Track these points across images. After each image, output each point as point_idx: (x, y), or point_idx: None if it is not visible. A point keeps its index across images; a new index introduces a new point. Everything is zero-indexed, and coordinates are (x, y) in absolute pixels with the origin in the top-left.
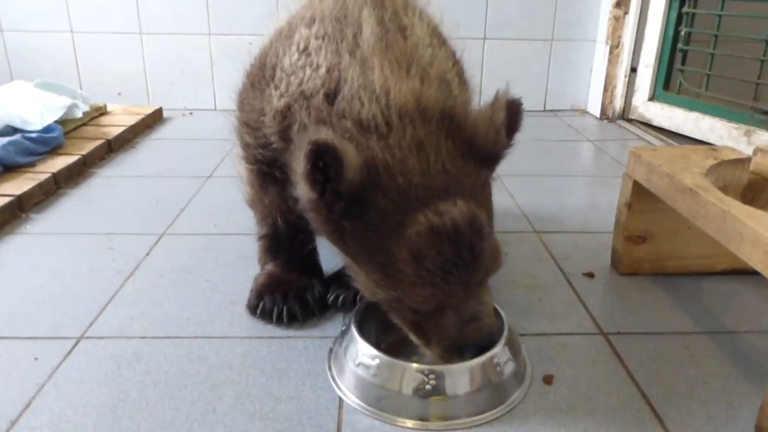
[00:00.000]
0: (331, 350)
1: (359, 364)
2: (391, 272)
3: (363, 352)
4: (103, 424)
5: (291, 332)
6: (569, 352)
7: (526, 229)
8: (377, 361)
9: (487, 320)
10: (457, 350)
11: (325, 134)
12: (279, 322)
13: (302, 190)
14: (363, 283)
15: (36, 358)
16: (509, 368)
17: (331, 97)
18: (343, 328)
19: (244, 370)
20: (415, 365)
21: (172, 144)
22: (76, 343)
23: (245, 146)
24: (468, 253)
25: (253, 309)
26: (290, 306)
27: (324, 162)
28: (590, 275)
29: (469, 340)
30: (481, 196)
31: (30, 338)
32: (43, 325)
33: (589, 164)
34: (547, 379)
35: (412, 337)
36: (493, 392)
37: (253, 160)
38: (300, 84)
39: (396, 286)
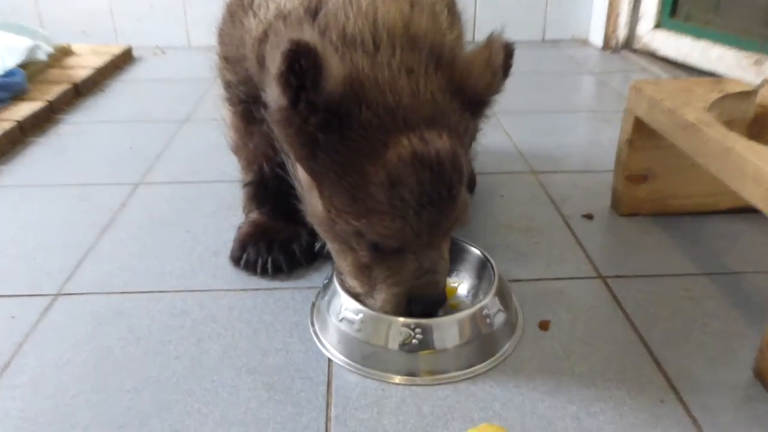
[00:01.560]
0: (313, 305)
1: (342, 319)
2: (360, 197)
3: (346, 307)
4: (87, 382)
5: (277, 283)
6: (566, 297)
7: (523, 170)
8: (361, 315)
9: (443, 277)
10: (407, 302)
11: (309, 35)
12: (264, 273)
13: (272, 94)
14: (318, 212)
15: (12, 317)
16: (500, 319)
17: (312, 13)
18: (326, 281)
19: (230, 323)
20: (401, 319)
21: (144, 86)
22: (54, 300)
23: (227, 85)
24: (446, 191)
25: (236, 260)
26: (275, 257)
27: (302, 65)
28: (589, 217)
29: (421, 294)
30: (463, 138)
31: (5, 296)
32: (18, 282)
33: (591, 99)
34: (543, 325)
35: (349, 282)
36: (484, 344)
37: (236, 101)
38: (279, 6)
39: (362, 215)
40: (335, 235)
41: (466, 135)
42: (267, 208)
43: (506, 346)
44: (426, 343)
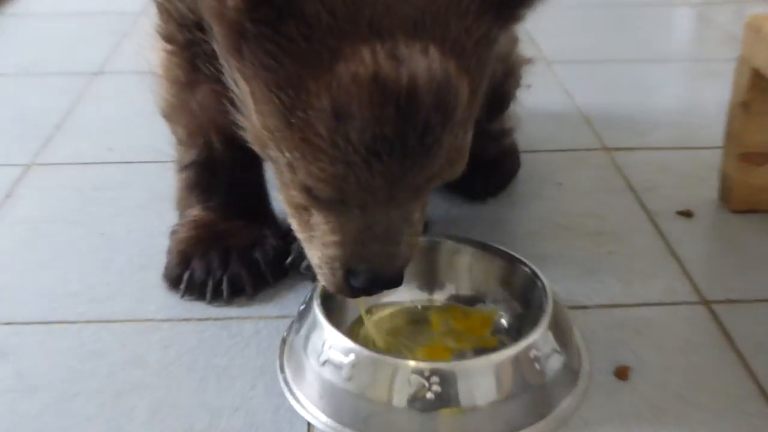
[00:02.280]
0: (284, 341)
1: (326, 363)
2: (295, 122)
3: (331, 344)
4: None
5: (234, 311)
6: (654, 330)
7: (590, 145)
8: (352, 357)
9: (404, 250)
10: (345, 273)
11: None
12: (216, 297)
13: None
14: (252, 125)
15: None
16: (555, 363)
17: None
18: (302, 306)
19: (164, 369)
20: (411, 362)
21: (37, 23)
22: None
23: (166, 15)
24: (416, 138)
25: (174, 280)
26: (234, 273)
27: None
28: (687, 214)
29: (368, 265)
30: (471, 57)
31: None
32: None
33: (688, 42)
34: (621, 373)
35: (290, 221)
36: (532, 400)
37: (175, 35)
38: None
39: (295, 145)
40: (267, 159)
41: (478, 51)
42: (216, 202)
43: (565, 403)
44: (447, 398)
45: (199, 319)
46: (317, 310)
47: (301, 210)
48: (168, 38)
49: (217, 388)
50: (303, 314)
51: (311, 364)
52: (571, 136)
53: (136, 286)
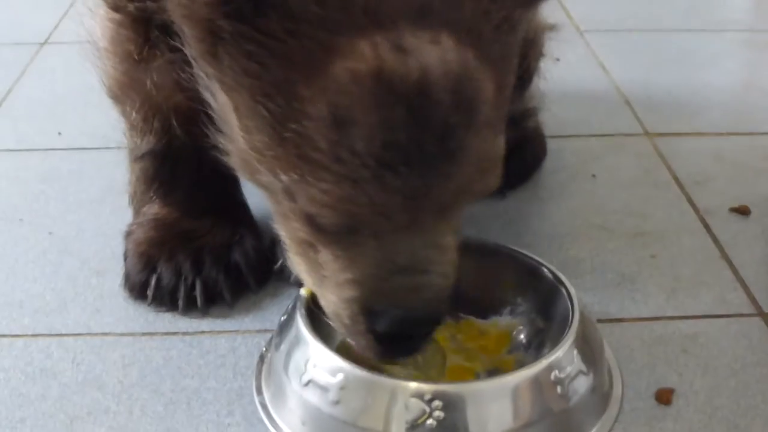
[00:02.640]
0: (262, 358)
1: (309, 384)
2: (288, 135)
3: (316, 362)
4: None
5: (206, 324)
6: (702, 347)
7: (630, 130)
8: (341, 377)
9: (438, 279)
10: (367, 319)
11: None
12: (189, 307)
13: None
14: (236, 144)
15: None
16: (582, 385)
17: None
18: (283, 318)
19: (125, 391)
20: (411, 384)
21: None
22: None
23: None
24: (434, 141)
25: (139, 287)
26: (209, 277)
27: None
28: (743, 211)
29: (392, 302)
30: (492, 45)
31: None
32: None
33: (744, 9)
34: (663, 396)
35: (293, 260)
36: (555, 428)
37: (127, 3)
38: None
39: (289, 166)
40: (262, 188)
41: (501, 38)
42: (179, 197)
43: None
44: (453, 427)
45: (165, 334)
46: (300, 322)
47: (307, 247)
48: (114, 6)
49: (187, 414)
50: (284, 327)
51: (293, 385)
52: (607, 118)
53: (90, 294)
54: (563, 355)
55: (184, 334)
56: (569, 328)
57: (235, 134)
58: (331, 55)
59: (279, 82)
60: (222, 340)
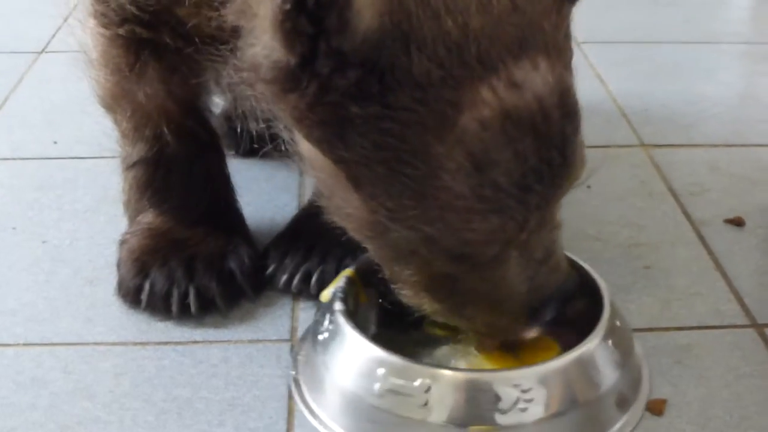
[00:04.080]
0: (295, 352)
1: (358, 376)
2: (429, 192)
3: (358, 353)
4: None
5: (199, 334)
6: (696, 358)
7: (626, 141)
8: (383, 371)
9: (560, 255)
10: (532, 312)
11: None
12: (183, 313)
13: (264, 50)
14: (354, 211)
15: None
16: (611, 378)
17: None
18: (318, 313)
19: (116, 401)
20: (465, 375)
21: None
22: None
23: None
24: (559, 155)
25: (132, 292)
26: (202, 284)
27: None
28: (738, 223)
29: (545, 292)
30: (566, 50)
31: None
32: None
33: (742, 21)
34: (656, 406)
35: (414, 299)
36: (584, 420)
37: (116, 18)
38: None
39: (435, 218)
40: (387, 241)
41: (567, 40)
42: (173, 205)
43: (617, 426)
44: (480, 414)
45: (158, 343)
46: (342, 318)
47: (442, 281)
48: (105, 24)
49: (179, 424)
50: (319, 322)
51: (333, 377)
52: (603, 130)
53: (83, 303)
54: (598, 344)
55: (177, 343)
56: (602, 317)
57: (347, 197)
58: (458, 109)
59: (415, 148)
60: (215, 349)
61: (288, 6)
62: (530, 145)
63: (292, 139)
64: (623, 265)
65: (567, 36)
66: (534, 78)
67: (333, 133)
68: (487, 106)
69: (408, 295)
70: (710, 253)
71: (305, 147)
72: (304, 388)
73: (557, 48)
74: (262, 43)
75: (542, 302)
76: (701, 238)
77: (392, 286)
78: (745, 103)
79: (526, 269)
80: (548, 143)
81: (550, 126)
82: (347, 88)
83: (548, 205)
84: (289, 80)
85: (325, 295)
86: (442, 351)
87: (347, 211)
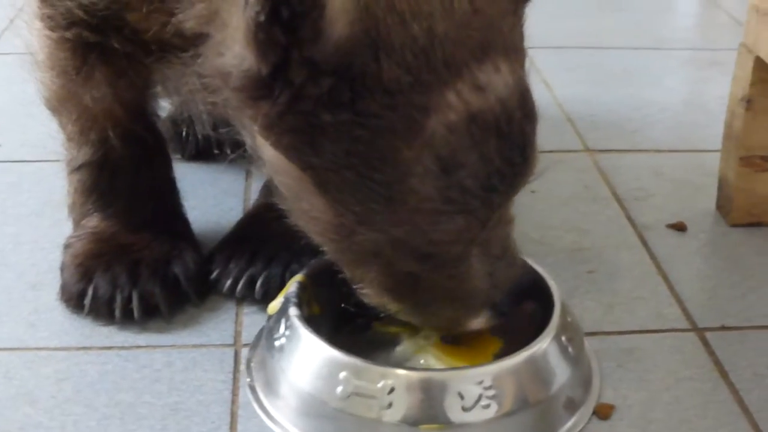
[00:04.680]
0: (248, 359)
1: (319, 380)
2: (397, 196)
3: (319, 357)
4: None
5: (143, 339)
6: (638, 362)
7: (571, 147)
8: (345, 374)
9: (514, 250)
10: (488, 307)
11: None
12: (126, 318)
13: (235, 59)
14: (320, 216)
15: None
16: (562, 377)
17: None
18: (273, 319)
19: (58, 406)
20: (426, 374)
21: None
22: None
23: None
24: (520, 155)
25: (75, 297)
26: (145, 289)
27: (292, 9)
28: (680, 228)
29: (500, 288)
30: (522, 51)
31: None
32: None
33: (688, 28)
34: (603, 411)
35: (375, 299)
36: (532, 420)
37: (63, 22)
38: None
39: (402, 220)
40: (351, 244)
41: (523, 42)
42: (118, 209)
43: (567, 426)
44: (432, 410)
45: (101, 348)
46: (298, 321)
47: (406, 281)
48: (52, 27)
49: (121, 429)
50: (273, 327)
51: (289, 379)
52: (548, 134)
53: (25, 308)
54: (547, 345)
55: (120, 348)
56: (553, 316)
57: (313, 202)
58: (426, 113)
59: (384, 154)
60: (158, 354)
61: (262, 17)
62: (494, 147)
63: (253, 143)
64: (567, 269)
65: (521, 36)
66: (496, 80)
67: (303, 140)
68: (454, 109)
69: (370, 295)
70: (653, 257)
71: (270, 153)
72: (261, 395)
73: (515, 49)
74: (233, 52)
75: (502, 302)
76: (644, 243)
77: (354, 287)
78: (690, 108)
79: (486, 265)
80: (511, 144)
81: (513, 127)
82: (319, 96)
83: (506, 201)
84: (259, 89)
85: (273, 306)
86: (399, 349)
87: (312, 215)
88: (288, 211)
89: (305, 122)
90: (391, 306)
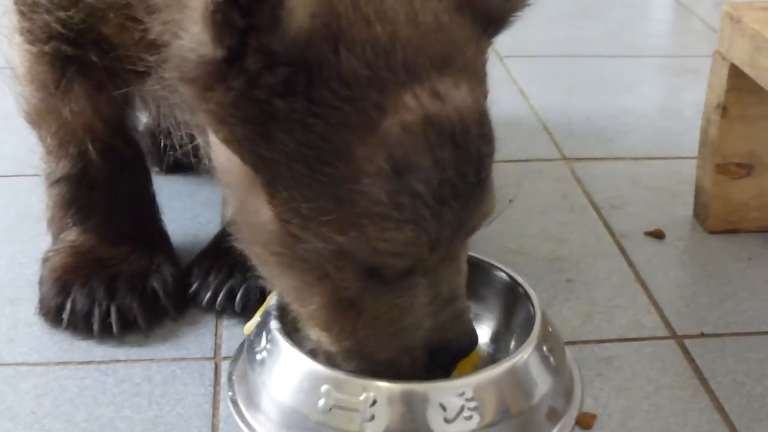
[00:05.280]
0: (229, 372)
1: (300, 393)
2: (346, 196)
3: (300, 371)
4: None
5: (122, 353)
6: (617, 371)
7: (547, 155)
8: (327, 387)
9: (465, 305)
10: (427, 356)
11: None
12: (105, 332)
13: (191, 43)
14: (262, 223)
15: None
16: (544, 387)
17: None
18: (253, 332)
19: (37, 421)
20: (408, 386)
21: None
22: None
23: (27, 8)
24: (474, 173)
25: (53, 311)
26: (123, 303)
27: None
28: (658, 235)
29: (447, 336)
30: (484, 80)
31: None
32: None
33: (662, 36)
34: (585, 420)
35: (314, 334)
36: (515, 431)
37: (42, 35)
38: None
39: (350, 224)
40: (295, 260)
41: (485, 73)
42: (96, 223)
43: None
44: (414, 422)
45: (80, 363)
46: (277, 332)
47: (345, 310)
48: (31, 41)
49: None
50: (254, 342)
51: (269, 392)
52: (525, 143)
53: (4, 323)
54: (529, 356)
55: (99, 362)
56: (534, 326)
57: (256, 206)
58: (382, 112)
59: (337, 148)
60: (137, 368)
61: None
62: (449, 155)
63: (208, 150)
64: (545, 278)
65: (483, 68)
66: (455, 93)
67: (256, 130)
68: (410, 111)
69: (313, 334)
70: (631, 265)
71: (221, 157)
72: (243, 408)
73: (477, 76)
74: (190, 35)
75: (442, 346)
76: (622, 251)
77: (300, 324)
78: (666, 116)
79: (431, 303)
80: (465, 156)
81: (468, 140)
82: (274, 85)
83: (460, 231)
84: (214, 76)
85: (249, 327)
86: None
87: (256, 224)
88: (235, 230)
89: (259, 110)
90: (331, 346)
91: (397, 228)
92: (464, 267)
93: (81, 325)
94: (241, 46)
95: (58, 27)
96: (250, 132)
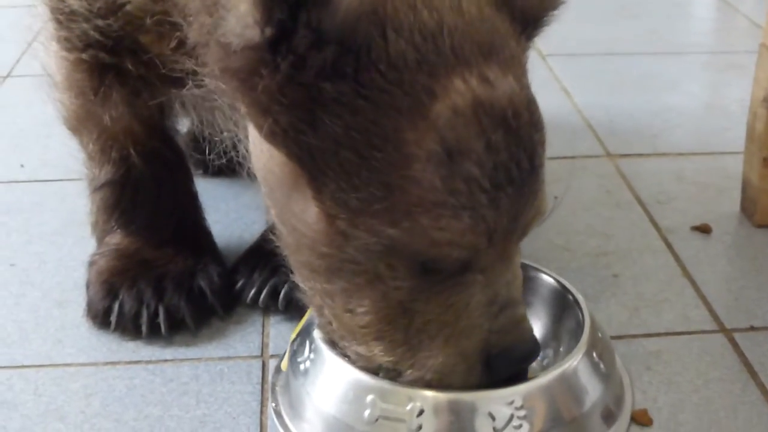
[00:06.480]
0: (272, 383)
1: (345, 404)
2: (397, 183)
3: (344, 380)
4: None
5: (169, 352)
6: (666, 365)
7: (592, 152)
8: (372, 397)
9: (525, 311)
10: (484, 362)
11: None
12: (154, 332)
13: (237, 26)
14: (308, 226)
15: None
16: (594, 394)
17: None
18: (297, 342)
19: (87, 421)
20: (456, 395)
21: None
22: None
23: (64, 17)
24: (527, 159)
25: (101, 314)
26: (171, 304)
27: None
28: (705, 230)
29: (506, 343)
30: (527, 75)
31: None
32: None
33: (706, 32)
34: (641, 417)
35: (361, 350)
36: None
37: (79, 44)
38: None
39: (401, 215)
40: (343, 262)
41: (527, 75)
42: (140, 226)
43: None
44: (463, 431)
45: (128, 363)
46: (319, 341)
47: (396, 316)
48: (68, 49)
49: None
50: (298, 349)
51: (314, 403)
52: (570, 141)
53: (52, 325)
54: (579, 363)
55: (147, 362)
56: (583, 332)
57: (302, 208)
58: (432, 95)
59: (386, 132)
60: (185, 367)
61: None
62: (501, 138)
63: (247, 152)
64: (591, 273)
65: (525, 65)
66: (504, 80)
67: (303, 117)
68: (461, 95)
69: (359, 351)
70: (678, 260)
71: (263, 158)
72: (286, 419)
73: (522, 68)
74: (236, 16)
75: (502, 351)
76: (669, 246)
77: (341, 345)
78: (710, 112)
79: (490, 304)
80: (518, 141)
81: (520, 125)
82: (322, 66)
83: (516, 224)
84: (260, 62)
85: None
86: None
87: (301, 224)
88: (275, 232)
89: (306, 95)
90: (381, 357)
91: (453, 215)
92: (520, 272)
93: (129, 327)
94: (292, 20)
95: (96, 35)
96: (296, 119)
